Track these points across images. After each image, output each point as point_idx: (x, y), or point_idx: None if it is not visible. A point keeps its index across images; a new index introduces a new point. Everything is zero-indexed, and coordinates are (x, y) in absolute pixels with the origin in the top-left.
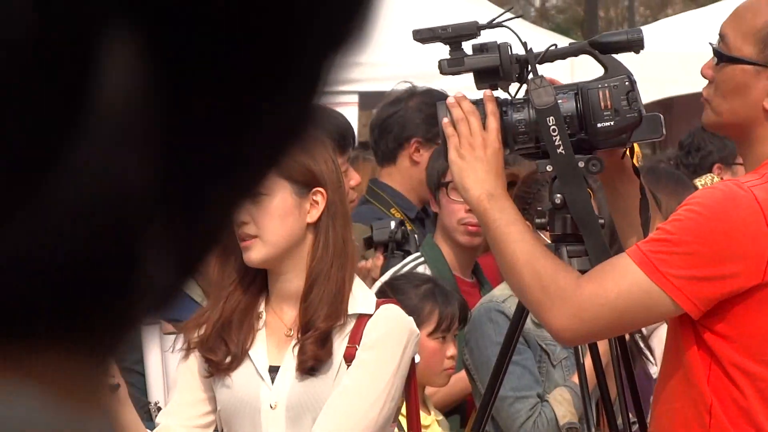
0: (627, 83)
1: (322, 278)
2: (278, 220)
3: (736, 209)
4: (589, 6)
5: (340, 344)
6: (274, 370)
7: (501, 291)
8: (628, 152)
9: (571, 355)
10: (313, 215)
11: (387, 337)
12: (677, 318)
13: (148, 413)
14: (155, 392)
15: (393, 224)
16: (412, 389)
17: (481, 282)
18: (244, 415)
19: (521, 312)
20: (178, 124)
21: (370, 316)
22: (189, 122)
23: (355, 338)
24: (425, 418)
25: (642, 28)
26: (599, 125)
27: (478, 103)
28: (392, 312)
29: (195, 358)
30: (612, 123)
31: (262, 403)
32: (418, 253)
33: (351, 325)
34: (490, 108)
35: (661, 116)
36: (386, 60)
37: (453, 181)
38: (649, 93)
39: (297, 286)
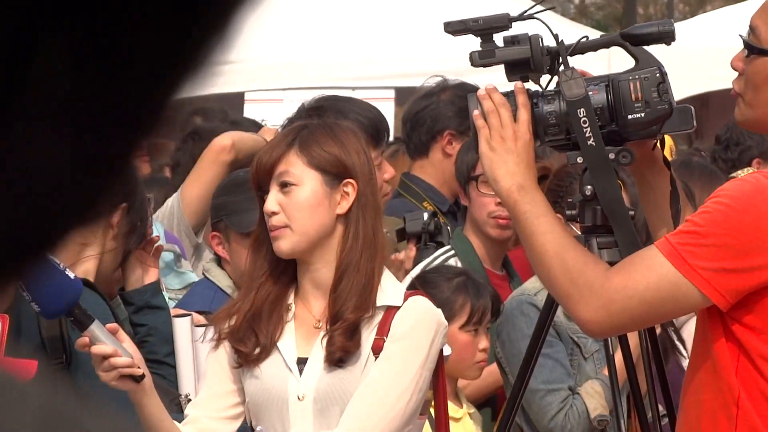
0: (658, 75)
1: (351, 269)
2: (308, 211)
3: (765, 201)
4: (628, 3)
5: (368, 336)
6: (302, 362)
7: (532, 284)
8: (658, 144)
9: (602, 347)
10: (343, 206)
11: (415, 329)
12: (706, 310)
13: (178, 405)
14: (186, 384)
15: (425, 216)
16: (440, 382)
17: (511, 275)
18: (272, 407)
19: (551, 304)
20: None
21: (399, 308)
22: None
23: (383, 330)
24: (457, 411)
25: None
26: (630, 117)
27: (509, 95)
28: (420, 304)
29: (224, 350)
30: (642, 114)
31: (290, 394)
32: (448, 247)
33: (379, 317)
34: (521, 100)
35: (692, 108)
36: (423, 56)
37: (483, 174)
38: (686, 88)
39: (326, 277)
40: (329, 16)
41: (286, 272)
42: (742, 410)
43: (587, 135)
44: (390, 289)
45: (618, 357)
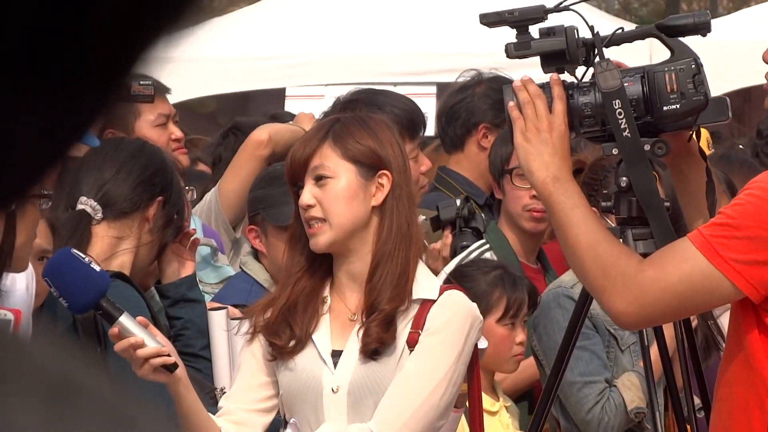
0: (693, 66)
1: (386, 260)
2: (344, 203)
3: None
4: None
5: (403, 329)
6: (336, 355)
7: (569, 276)
8: (694, 135)
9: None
10: (378, 198)
11: (450, 323)
12: (739, 302)
13: (214, 398)
14: (222, 378)
15: (458, 202)
16: (475, 375)
17: (546, 268)
18: (306, 399)
19: (586, 297)
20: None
21: (434, 301)
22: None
23: (418, 323)
24: (493, 405)
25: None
26: (665, 108)
27: (545, 87)
28: (456, 298)
29: (259, 343)
30: (678, 106)
31: (325, 386)
32: (483, 241)
33: (414, 310)
34: (557, 91)
35: (728, 99)
36: (465, 51)
37: (518, 167)
38: (728, 83)
39: (361, 269)
40: (370, 11)
41: (323, 266)
42: None
43: (622, 126)
44: (425, 282)
45: (654, 350)
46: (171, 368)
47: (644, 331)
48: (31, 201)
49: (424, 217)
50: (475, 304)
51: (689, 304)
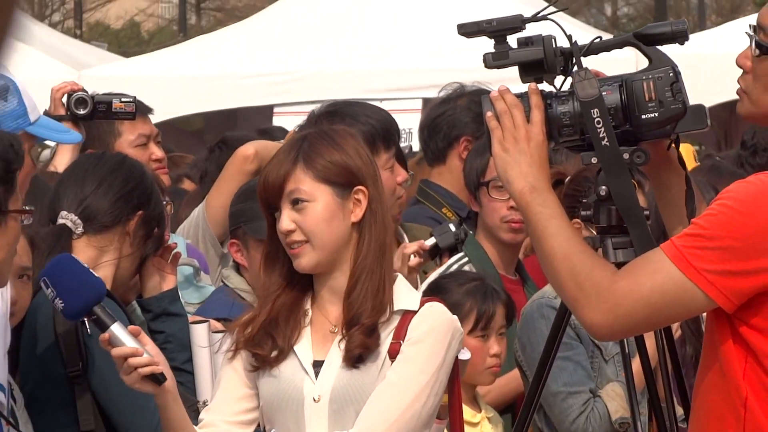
0: (671, 74)
1: (365, 275)
2: (324, 225)
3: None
4: (659, 14)
5: (384, 340)
6: (318, 365)
7: (552, 287)
8: (673, 144)
9: None
10: (357, 214)
11: (431, 334)
12: (713, 312)
13: (196, 411)
14: (204, 390)
15: (452, 227)
16: (455, 386)
17: (524, 279)
18: (288, 409)
19: (566, 307)
20: None
21: (415, 312)
22: None
23: (400, 334)
24: (474, 416)
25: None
26: (644, 117)
27: (523, 97)
28: (437, 309)
29: (239, 356)
30: (656, 114)
31: (306, 396)
32: (461, 254)
33: (396, 321)
34: (535, 100)
35: (706, 107)
36: (451, 66)
37: (494, 179)
38: (715, 95)
39: (342, 284)
40: (356, 29)
41: (302, 281)
42: (749, 412)
43: (601, 135)
44: (406, 294)
45: (636, 362)
46: (159, 379)
47: (626, 341)
48: (11, 217)
49: (433, 239)
50: (455, 317)
51: (663, 314)
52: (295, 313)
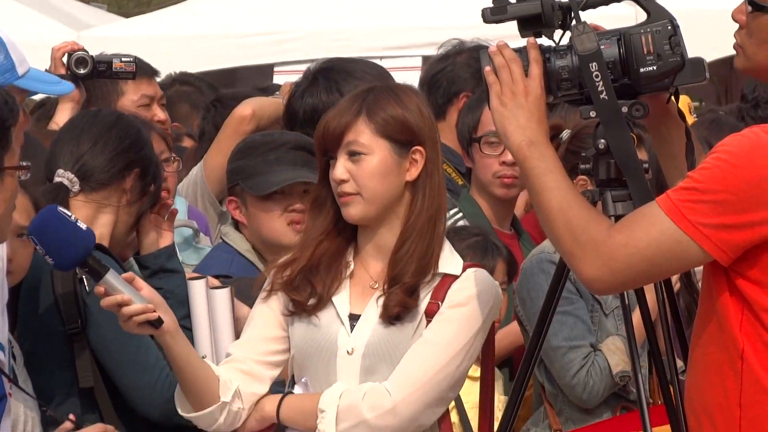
0: (669, 27)
1: (415, 235)
2: (378, 179)
3: (762, 156)
4: None
5: (422, 299)
6: (354, 318)
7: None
8: (672, 97)
9: None
10: (412, 173)
11: (473, 299)
12: (710, 265)
13: None
14: (203, 346)
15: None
16: (490, 351)
17: (519, 233)
18: (320, 359)
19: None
20: None
21: (456, 277)
22: None
23: (438, 295)
24: (475, 370)
25: None
26: (642, 70)
27: (521, 51)
28: (480, 275)
29: (276, 298)
30: (654, 68)
31: (340, 348)
32: (456, 209)
33: (436, 282)
34: (533, 55)
35: (705, 60)
36: (451, 24)
37: (486, 134)
38: (714, 50)
39: (388, 241)
40: None
41: (346, 230)
42: (746, 363)
43: (600, 89)
44: (449, 257)
45: (636, 315)
46: (156, 324)
47: (626, 295)
48: (8, 173)
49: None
50: (497, 283)
51: (658, 268)
52: (336, 263)
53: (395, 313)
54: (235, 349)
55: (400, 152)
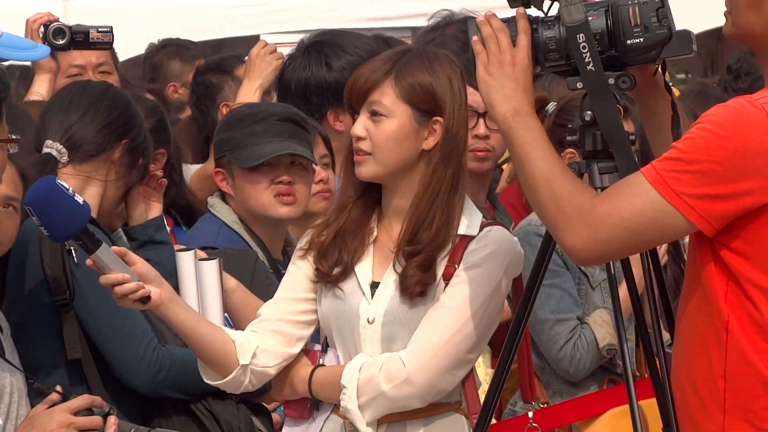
0: (657, 0)
1: (428, 205)
2: (394, 143)
3: (747, 127)
4: None
5: (440, 263)
6: (375, 286)
7: None
8: (660, 69)
9: None
10: (429, 142)
11: (490, 257)
12: (695, 236)
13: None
14: None
15: None
16: (525, 346)
17: (494, 205)
18: (345, 328)
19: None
20: None
21: (473, 237)
22: None
23: (455, 258)
24: None
25: None
26: (629, 42)
27: (509, 22)
28: (495, 233)
29: (308, 261)
30: (641, 40)
31: (361, 317)
32: None
33: (453, 244)
34: (522, 25)
35: (692, 32)
36: None
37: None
38: (700, 22)
39: (404, 206)
40: None
41: (373, 194)
42: (731, 335)
43: (587, 60)
44: (467, 219)
45: (623, 288)
46: (143, 300)
47: (612, 268)
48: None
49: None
50: (516, 239)
51: (643, 238)
52: (362, 229)
53: (418, 292)
54: (265, 308)
55: (421, 120)
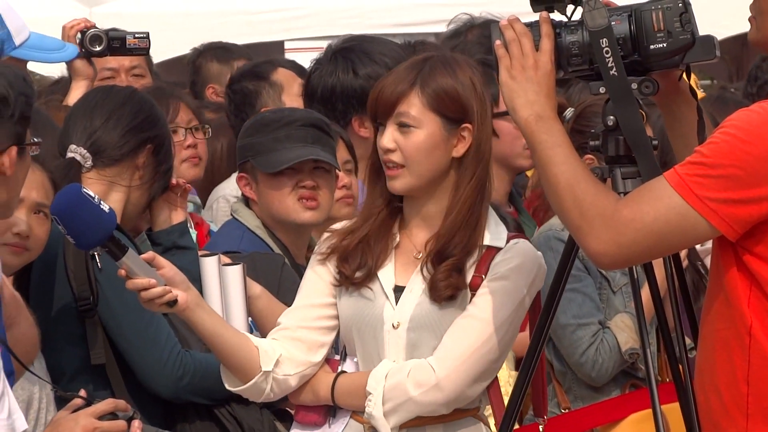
0: (680, 5)
1: (460, 211)
2: (425, 153)
3: None
4: None
5: (467, 272)
6: (399, 290)
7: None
8: (684, 75)
9: None
10: (459, 150)
11: (516, 270)
12: (718, 241)
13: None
14: None
15: None
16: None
17: (518, 210)
18: (367, 334)
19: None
20: None
21: (499, 249)
22: None
23: (482, 268)
24: None
25: None
26: (652, 47)
27: (532, 26)
28: (522, 246)
29: (327, 267)
30: (665, 45)
31: (386, 322)
32: None
33: (480, 255)
34: (545, 30)
35: (715, 38)
36: (463, 0)
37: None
38: (725, 29)
39: (434, 213)
40: None
41: (395, 201)
42: (754, 339)
43: (609, 65)
44: (494, 229)
45: (645, 292)
46: (170, 304)
47: (635, 272)
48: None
49: None
50: (540, 254)
51: (665, 243)
52: (385, 236)
53: (447, 295)
54: (285, 317)
55: (450, 128)
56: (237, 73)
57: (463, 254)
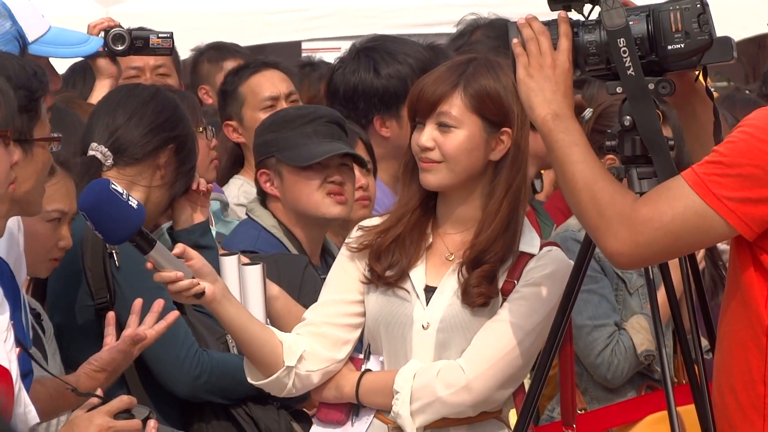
0: (698, 6)
1: (495, 215)
2: (464, 153)
3: None
4: None
5: (500, 277)
6: (429, 291)
7: (576, 220)
8: (701, 76)
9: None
10: (497, 153)
11: (548, 279)
12: (735, 240)
13: (225, 344)
14: None
15: None
16: (568, 326)
17: (536, 209)
18: (395, 333)
19: (590, 240)
20: None
21: (532, 255)
22: None
23: (514, 274)
24: None
25: None
26: (669, 47)
27: (550, 25)
28: (555, 254)
29: (356, 264)
30: (682, 45)
31: (415, 322)
32: None
33: (512, 261)
34: (563, 29)
35: (732, 39)
36: (480, 1)
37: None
38: (742, 30)
39: (467, 214)
40: None
41: (429, 201)
42: None
43: (627, 65)
44: (527, 235)
45: (661, 293)
46: (198, 295)
47: (651, 273)
48: (38, 145)
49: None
50: (572, 262)
51: (683, 242)
52: (418, 236)
53: (479, 303)
54: (310, 312)
55: (489, 131)
56: (228, 74)
57: (497, 260)
